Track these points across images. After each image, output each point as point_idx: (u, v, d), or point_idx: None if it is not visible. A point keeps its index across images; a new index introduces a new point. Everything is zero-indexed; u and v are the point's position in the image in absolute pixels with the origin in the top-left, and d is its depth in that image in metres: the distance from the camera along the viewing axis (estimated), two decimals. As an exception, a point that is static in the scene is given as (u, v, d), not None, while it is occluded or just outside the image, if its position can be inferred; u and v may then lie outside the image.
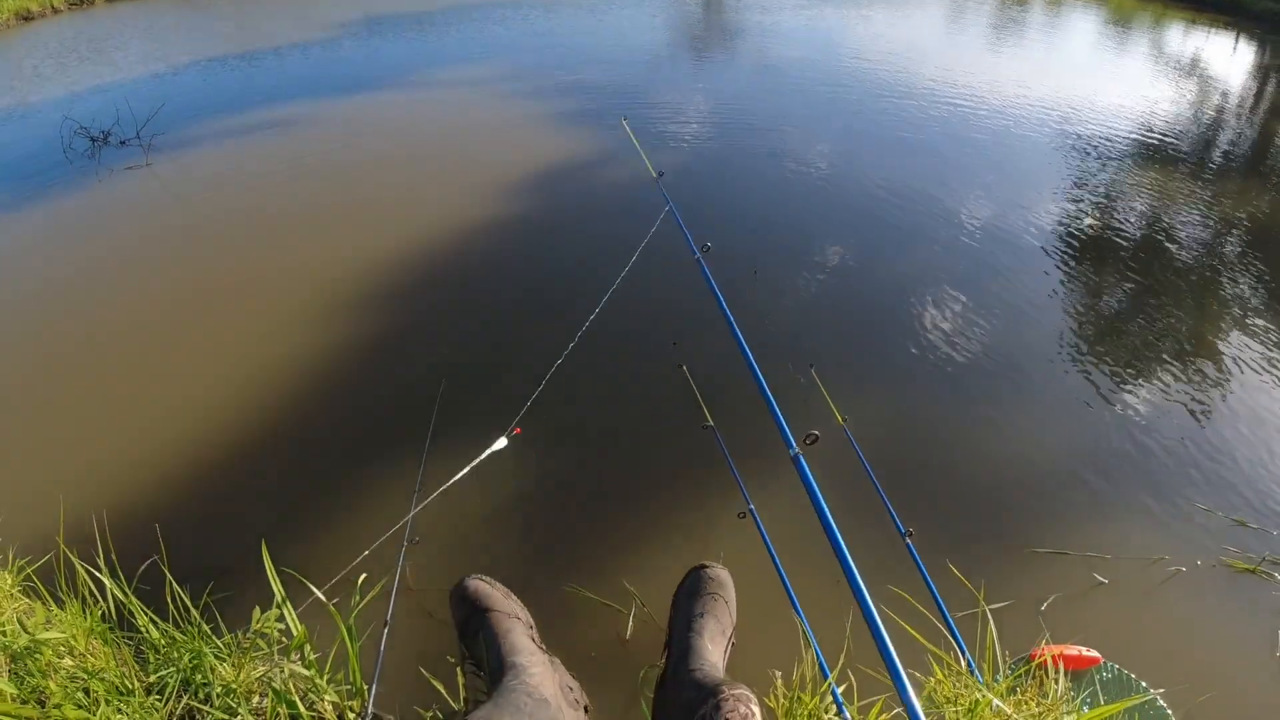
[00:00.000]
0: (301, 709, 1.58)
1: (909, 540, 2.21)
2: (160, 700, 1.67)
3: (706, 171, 5.88)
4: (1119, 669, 2.35)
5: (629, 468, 2.92)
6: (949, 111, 7.34)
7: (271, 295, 4.17)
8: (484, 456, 1.66)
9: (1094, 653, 2.36)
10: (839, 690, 1.75)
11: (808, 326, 3.82)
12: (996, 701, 1.58)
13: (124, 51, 10.34)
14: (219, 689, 1.65)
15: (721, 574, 2.03)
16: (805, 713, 1.70)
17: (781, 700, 1.75)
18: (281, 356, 3.58)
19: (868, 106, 7.52)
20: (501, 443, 1.71)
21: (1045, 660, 1.96)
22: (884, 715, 1.71)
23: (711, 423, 2.61)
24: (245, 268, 4.49)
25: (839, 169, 5.87)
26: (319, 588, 1.76)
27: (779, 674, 1.78)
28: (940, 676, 1.69)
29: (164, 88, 8.25)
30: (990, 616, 1.81)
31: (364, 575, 1.76)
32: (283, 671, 1.63)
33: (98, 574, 1.79)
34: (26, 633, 1.61)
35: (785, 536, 2.18)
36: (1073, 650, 2.35)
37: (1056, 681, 1.81)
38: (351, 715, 1.69)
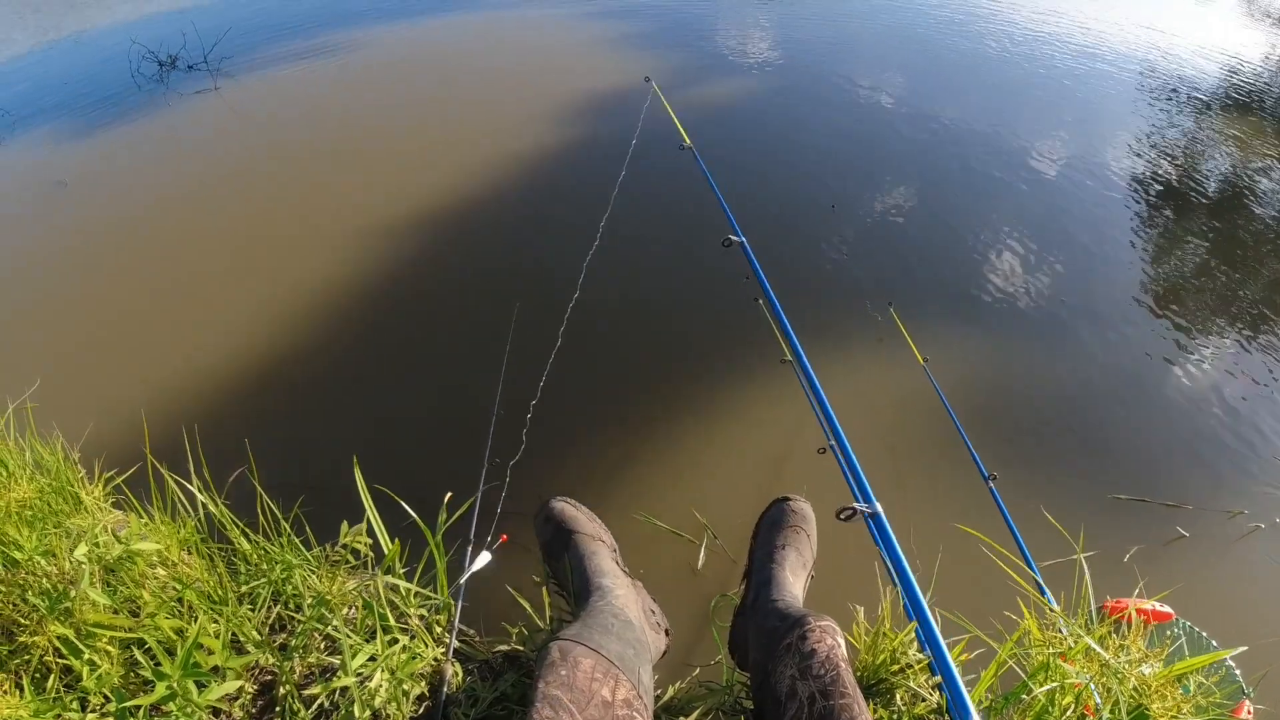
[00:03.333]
0: (392, 620, 1.60)
1: (992, 484, 2.18)
2: (253, 610, 1.71)
3: (778, 99, 5.74)
4: (1191, 626, 2.32)
5: (706, 401, 2.91)
6: (1029, 50, 7.07)
7: (340, 220, 4.19)
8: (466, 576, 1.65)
9: (1167, 608, 2.32)
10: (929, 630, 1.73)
11: (886, 264, 3.75)
12: (1092, 644, 1.55)
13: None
14: (310, 600, 1.67)
15: (804, 507, 2.00)
16: (889, 648, 1.69)
17: (864, 637, 1.73)
18: (353, 279, 3.60)
19: (943, 41, 7.27)
20: (485, 558, 1.69)
21: (1126, 614, 1.93)
22: (966, 655, 1.69)
23: (790, 357, 2.57)
24: (314, 193, 4.50)
25: (914, 106, 5.69)
26: (404, 509, 1.77)
27: (861, 608, 1.77)
28: (1031, 620, 1.66)
29: (231, 10, 8.18)
30: (1085, 565, 1.78)
31: (449, 494, 1.76)
32: (373, 584, 1.64)
33: (188, 486, 1.81)
34: (121, 543, 1.64)
35: (870, 470, 2.15)
36: (1147, 606, 2.31)
37: (1143, 635, 1.78)
38: (438, 629, 1.70)
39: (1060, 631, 1.69)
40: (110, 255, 4.05)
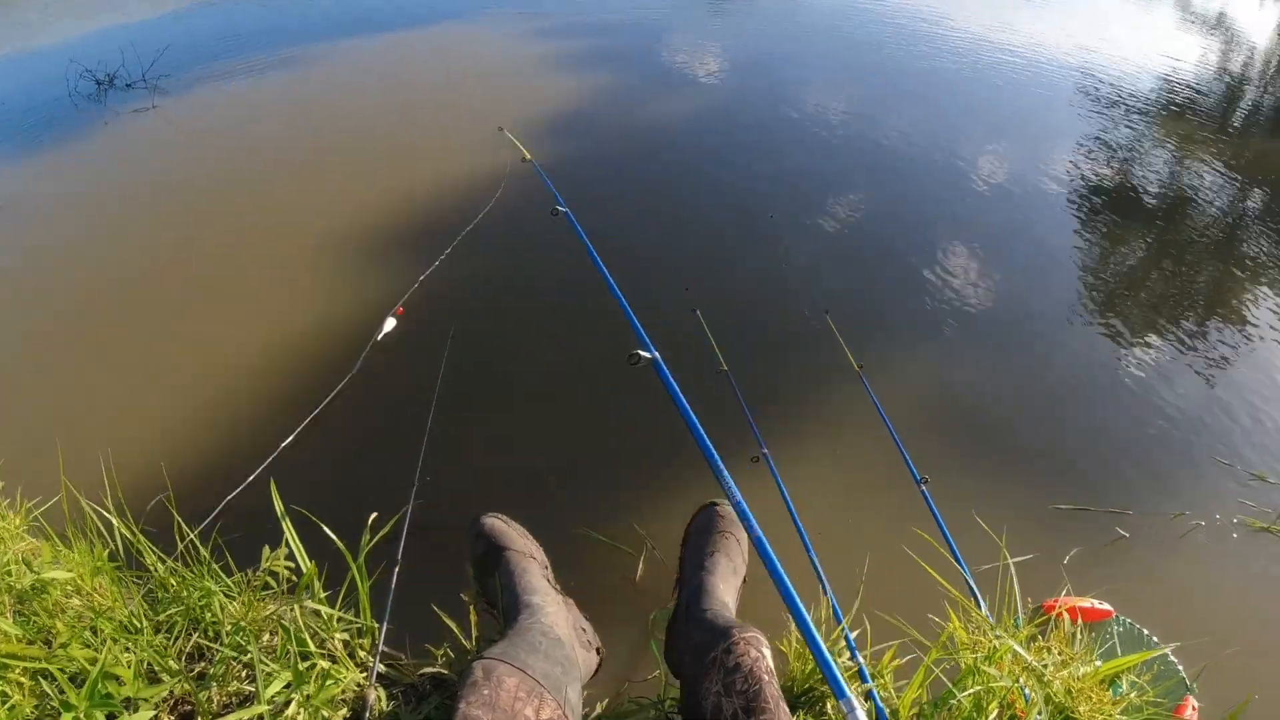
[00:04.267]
0: (312, 646, 1.57)
1: (924, 488, 2.19)
2: (169, 638, 1.66)
3: (720, 108, 5.76)
4: (1131, 623, 2.34)
5: (639, 411, 2.90)
6: (968, 60, 7.18)
7: (276, 237, 4.14)
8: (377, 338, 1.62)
9: (1106, 605, 2.35)
10: (853, 636, 1.74)
11: (823, 272, 3.77)
12: (1016, 647, 1.56)
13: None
14: (228, 627, 1.64)
15: (733, 512, 2.00)
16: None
17: (794, 644, 1.73)
18: (286, 300, 3.56)
19: (886, 51, 7.35)
20: (390, 323, 1.67)
21: (1060, 612, 1.95)
22: (897, 660, 1.70)
23: (726, 367, 2.58)
24: (247, 211, 4.45)
25: (855, 114, 5.75)
26: (328, 528, 1.74)
27: (791, 618, 1.76)
28: (957, 624, 1.66)
29: (169, 29, 8.05)
30: (1012, 566, 1.79)
31: (374, 514, 1.74)
32: (293, 609, 1.61)
33: (105, 513, 1.77)
34: (33, 572, 1.59)
35: (799, 480, 2.15)
36: (1085, 603, 2.33)
37: (1075, 633, 1.79)
38: (362, 653, 1.67)
39: (987, 635, 1.69)
40: (38, 278, 3.96)
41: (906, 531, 2.10)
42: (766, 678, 1.46)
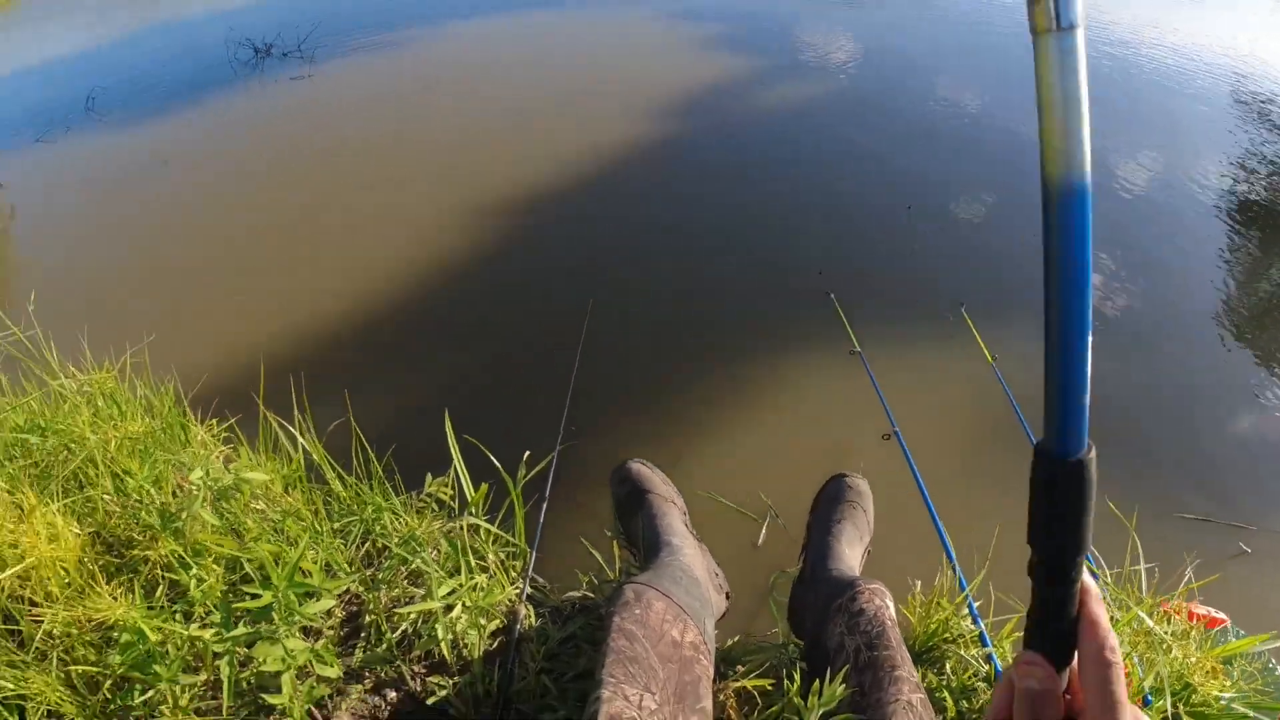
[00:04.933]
0: (472, 561, 1.72)
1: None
2: (345, 544, 1.84)
3: (858, 96, 5.80)
4: (1244, 635, 2.32)
5: (774, 389, 2.99)
6: (1118, 57, 6.91)
7: (433, 202, 4.42)
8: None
9: (1221, 615, 2.33)
10: (975, 605, 1.80)
11: (959, 267, 3.77)
12: (1141, 614, 1.60)
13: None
14: (396, 539, 1.80)
15: (861, 484, 2.08)
16: (941, 619, 1.75)
17: (918, 609, 1.80)
18: (447, 255, 3.83)
19: (1027, 44, 7.15)
20: None
21: (1179, 611, 1.96)
22: (1017, 633, 1.75)
23: (859, 348, 2.65)
24: (401, 180, 4.70)
25: (995, 107, 5.63)
26: (477, 466, 1.89)
27: (918, 583, 1.84)
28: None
29: (321, 3, 8.38)
30: (1139, 543, 1.83)
31: (528, 452, 1.87)
32: (460, 524, 1.76)
33: (291, 429, 1.96)
34: (231, 473, 1.78)
35: (928, 459, 2.21)
36: (1201, 609, 2.32)
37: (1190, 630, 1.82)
38: (513, 573, 1.81)
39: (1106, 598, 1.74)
40: (217, 226, 4.32)
41: (1024, 516, 2.14)
42: (889, 623, 1.54)
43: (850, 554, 1.91)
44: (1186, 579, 2.05)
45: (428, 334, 3.27)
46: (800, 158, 4.85)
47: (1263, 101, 6.18)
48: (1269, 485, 2.80)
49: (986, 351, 2.63)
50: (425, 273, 3.69)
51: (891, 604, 1.61)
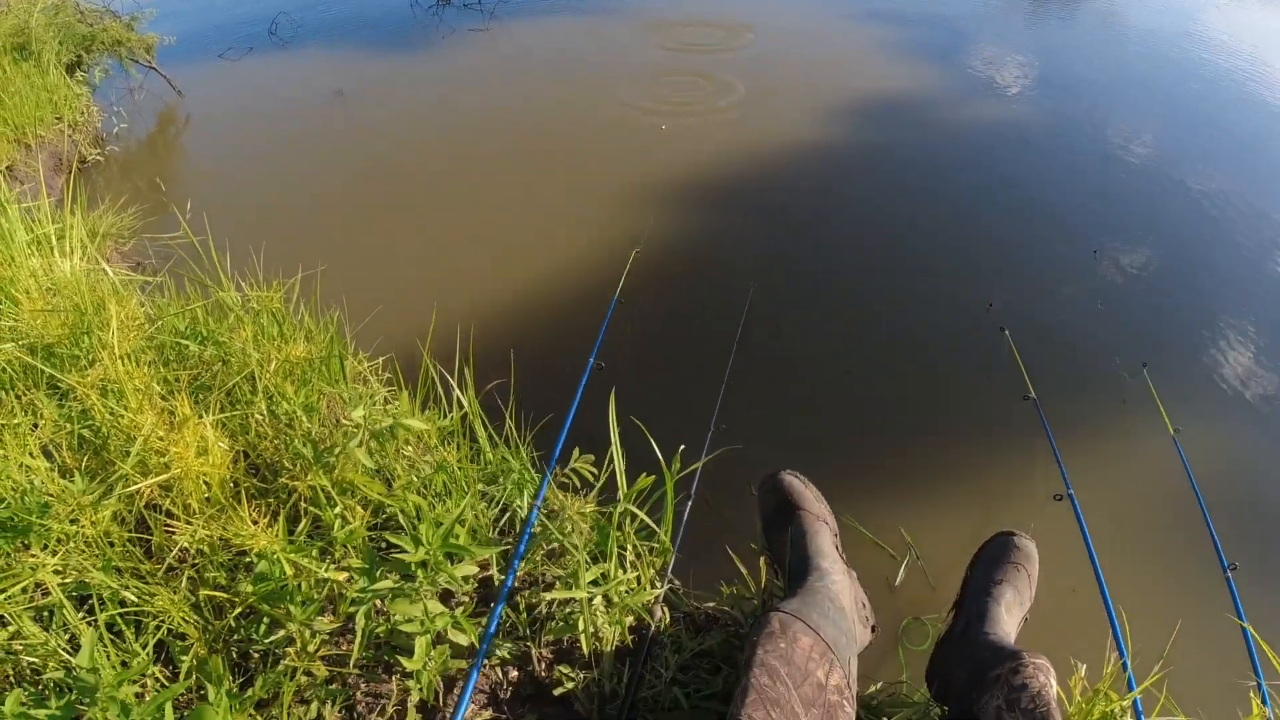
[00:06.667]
0: (616, 550, 1.65)
1: (1230, 575, 2.03)
2: (488, 506, 1.80)
3: (1041, 124, 5.54)
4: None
5: (932, 418, 2.85)
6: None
7: (598, 175, 4.42)
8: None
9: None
10: (1140, 703, 1.65)
11: (1144, 324, 3.52)
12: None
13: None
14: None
15: (1029, 546, 1.93)
16: (1100, 711, 1.61)
17: (1077, 695, 1.66)
18: (606, 238, 3.79)
19: (1207, 90, 6.69)
20: None
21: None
22: (1179, 738, 1.60)
23: (1034, 394, 2.48)
24: (572, 144, 4.69)
25: (1181, 158, 5.23)
26: (628, 453, 1.82)
27: (1084, 665, 1.69)
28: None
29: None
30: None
31: (683, 446, 1.79)
32: (614, 510, 1.69)
33: (451, 381, 1.93)
34: (391, 417, 1.75)
35: (1096, 529, 2.04)
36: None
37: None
38: (651, 571, 1.74)
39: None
40: (388, 166, 4.41)
41: (1197, 610, 1.97)
42: (1054, 705, 1.41)
43: (1009, 619, 1.77)
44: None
45: (592, 303, 3.21)
46: (988, 183, 4.63)
47: None
48: None
49: (1168, 421, 2.43)
50: (599, 246, 3.68)
51: (1055, 683, 1.48)
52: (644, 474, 1.73)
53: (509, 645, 1.55)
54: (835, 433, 2.76)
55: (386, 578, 1.43)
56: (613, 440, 1.76)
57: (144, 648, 1.43)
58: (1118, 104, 5.99)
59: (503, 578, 1.63)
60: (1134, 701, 1.63)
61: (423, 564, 1.43)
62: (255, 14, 6.57)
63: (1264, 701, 1.83)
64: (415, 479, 1.77)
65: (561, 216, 4.00)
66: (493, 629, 1.54)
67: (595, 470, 1.77)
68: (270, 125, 4.96)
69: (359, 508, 1.67)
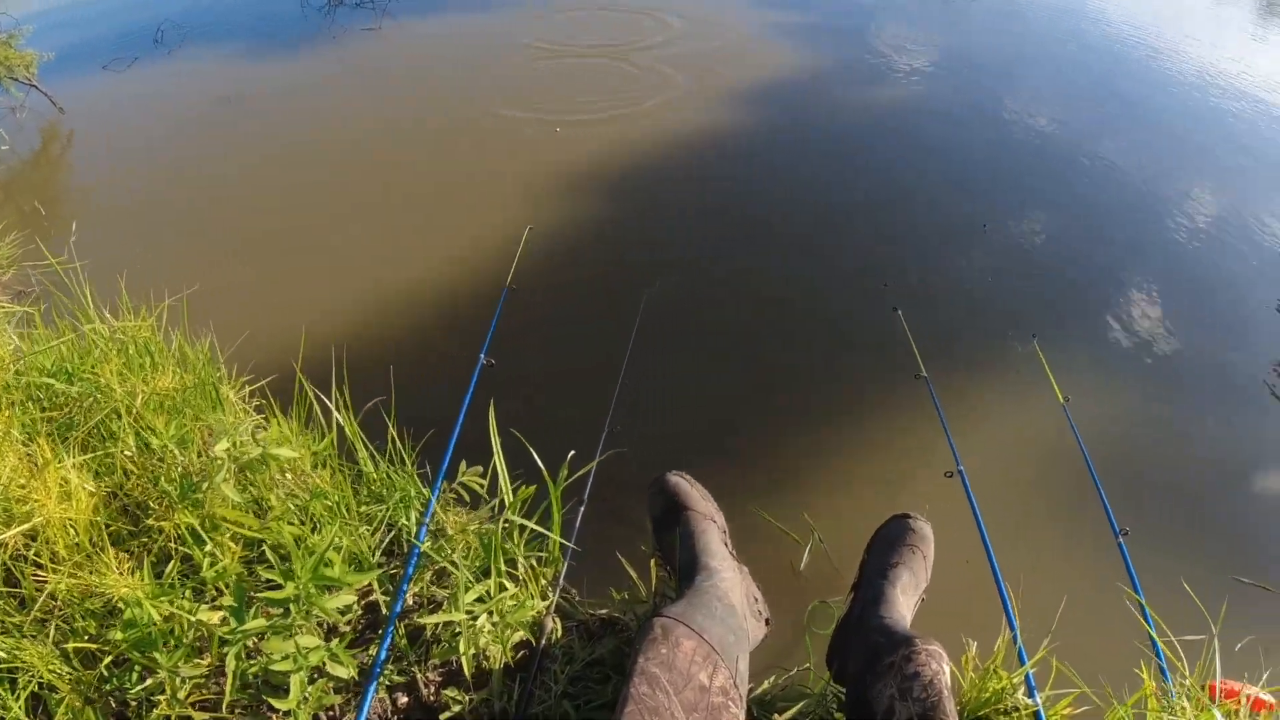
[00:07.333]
0: (502, 565, 1.61)
1: (1122, 541, 2.07)
2: (370, 529, 1.75)
3: (939, 106, 5.59)
4: (1299, 728, 2.17)
5: (829, 402, 2.87)
6: (1192, 92, 6.60)
7: (487, 170, 4.34)
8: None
9: (1270, 698, 2.18)
10: (1033, 674, 1.67)
11: (1034, 296, 3.59)
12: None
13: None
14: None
15: (924, 528, 1.95)
16: (996, 688, 1.63)
17: (969, 673, 1.67)
18: (496, 230, 3.69)
19: (1118, 70, 6.86)
20: None
21: (1235, 697, 1.83)
22: (1071, 709, 1.62)
23: (925, 373, 2.50)
24: (461, 142, 4.63)
25: (1077, 132, 5.37)
26: (513, 459, 1.78)
27: (975, 643, 1.70)
28: (1149, 686, 1.58)
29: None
30: (1217, 646, 1.69)
31: (572, 452, 1.77)
32: (496, 524, 1.65)
33: (328, 402, 1.87)
34: (259, 445, 1.69)
35: (988, 506, 2.07)
36: (1266, 695, 2.17)
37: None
38: (542, 581, 1.71)
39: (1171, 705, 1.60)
40: (272, 177, 4.26)
41: (1090, 579, 2.01)
42: (946, 692, 1.42)
43: (904, 601, 1.79)
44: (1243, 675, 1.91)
45: (477, 312, 3.14)
46: (883, 164, 4.69)
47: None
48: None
49: (1058, 390, 2.47)
50: (485, 251, 3.58)
51: (948, 669, 1.49)
52: (535, 481, 1.70)
53: (393, 670, 1.51)
54: (736, 423, 2.76)
55: (262, 615, 1.38)
56: (495, 451, 1.72)
57: (17, 701, 1.37)
58: (1014, 83, 6.13)
59: (390, 602, 1.59)
60: (1025, 676, 1.65)
61: (296, 598, 1.38)
62: (140, 23, 6.32)
63: (1158, 657, 1.88)
64: (291, 508, 1.71)
65: (450, 219, 3.92)
66: (382, 656, 1.50)
67: (483, 482, 1.73)
68: (154, 138, 4.78)
69: (231, 544, 1.62)
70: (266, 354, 2.35)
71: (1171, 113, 6.00)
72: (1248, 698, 2.09)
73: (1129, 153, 5.06)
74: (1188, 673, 1.72)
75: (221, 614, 1.45)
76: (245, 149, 4.56)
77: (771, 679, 1.73)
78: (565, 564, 1.72)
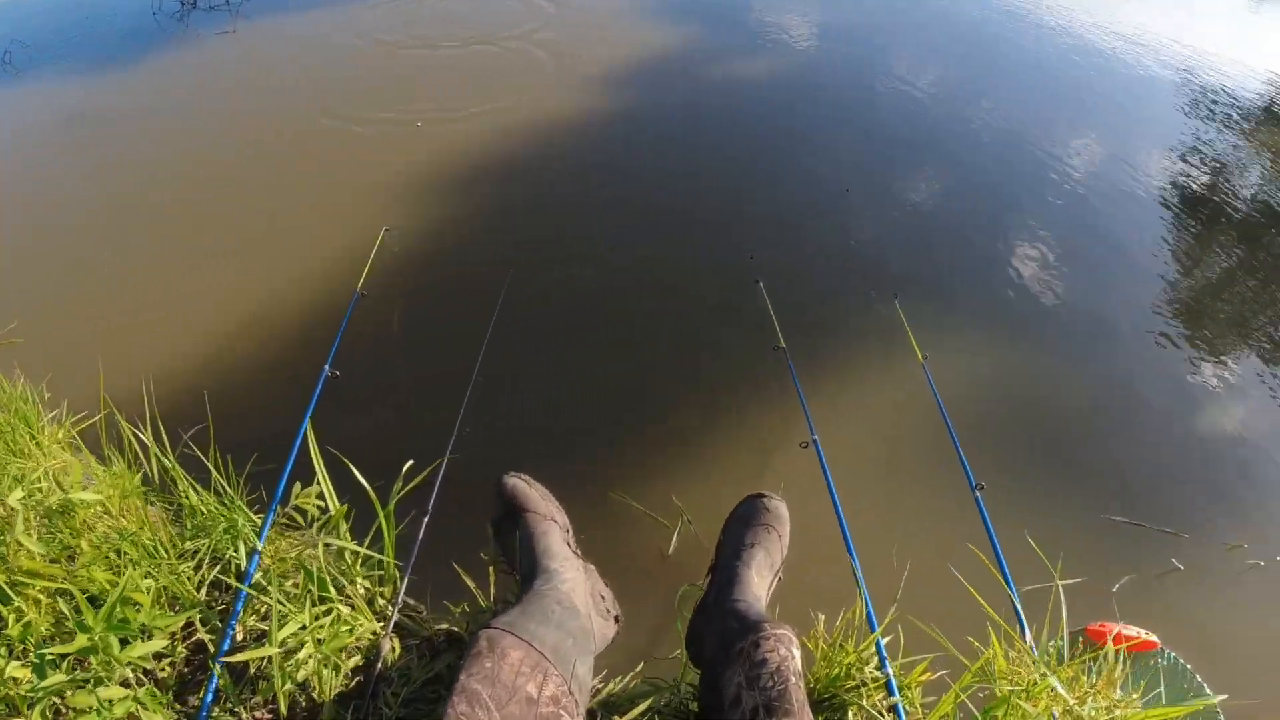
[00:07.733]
0: (332, 590, 1.55)
1: (978, 494, 2.10)
2: (194, 567, 1.66)
3: (806, 73, 5.62)
4: (1176, 658, 2.24)
5: (692, 382, 2.87)
6: (1066, 45, 6.79)
7: (345, 174, 4.19)
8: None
9: (1153, 637, 2.24)
10: (884, 643, 1.67)
11: (895, 255, 3.64)
12: (1058, 686, 1.48)
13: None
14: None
15: (779, 506, 1.93)
16: (846, 662, 1.63)
17: (822, 645, 1.67)
18: (350, 236, 3.55)
19: (982, 31, 7.00)
20: None
21: (1105, 640, 1.86)
22: (929, 674, 1.63)
23: (784, 344, 2.50)
24: (319, 146, 4.47)
25: (945, 93, 5.48)
26: (363, 474, 1.72)
27: (823, 617, 1.70)
28: (998, 649, 1.59)
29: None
30: (1061, 591, 1.70)
31: (410, 462, 1.71)
32: (317, 549, 1.58)
33: (142, 436, 1.77)
34: (62, 491, 1.59)
35: (848, 471, 2.08)
36: (1131, 631, 2.23)
37: (1119, 668, 1.69)
38: (382, 601, 1.65)
39: (1028, 666, 1.61)
40: (110, 199, 4.05)
41: (954, 538, 2.02)
42: (794, 679, 1.40)
43: (759, 582, 1.77)
44: (1114, 616, 1.96)
45: (327, 321, 3.04)
46: (741, 135, 4.70)
47: (1203, 96, 6.12)
48: (1199, 492, 2.72)
49: (918, 349, 2.50)
50: (335, 258, 3.46)
51: (798, 653, 1.48)
52: (370, 495, 1.64)
53: (221, 713, 1.44)
54: (598, 412, 2.74)
55: (58, 672, 1.29)
56: (318, 470, 1.65)
57: None
58: (888, 55, 6.19)
59: (217, 640, 1.52)
60: (876, 644, 1.65)
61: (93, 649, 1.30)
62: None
63: (1017, 614, 1.90)
64: (103, 553, 1.62)
65: (300, 228, 3.77)
66: (209, 699, 1.43)
67: (321, 504, 1.66)
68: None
69: (42, 596, 1.52)
70: (87, 391, 2.22)
71: (1040, 73, 6.15)
72: (1121, 637, 2.15)
73: (994, 114, 5.17)
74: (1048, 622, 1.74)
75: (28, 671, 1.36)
76: (92, 168, 4.33)
77: (621, 679, 1.70)
78: (405, 580, 1.66)
